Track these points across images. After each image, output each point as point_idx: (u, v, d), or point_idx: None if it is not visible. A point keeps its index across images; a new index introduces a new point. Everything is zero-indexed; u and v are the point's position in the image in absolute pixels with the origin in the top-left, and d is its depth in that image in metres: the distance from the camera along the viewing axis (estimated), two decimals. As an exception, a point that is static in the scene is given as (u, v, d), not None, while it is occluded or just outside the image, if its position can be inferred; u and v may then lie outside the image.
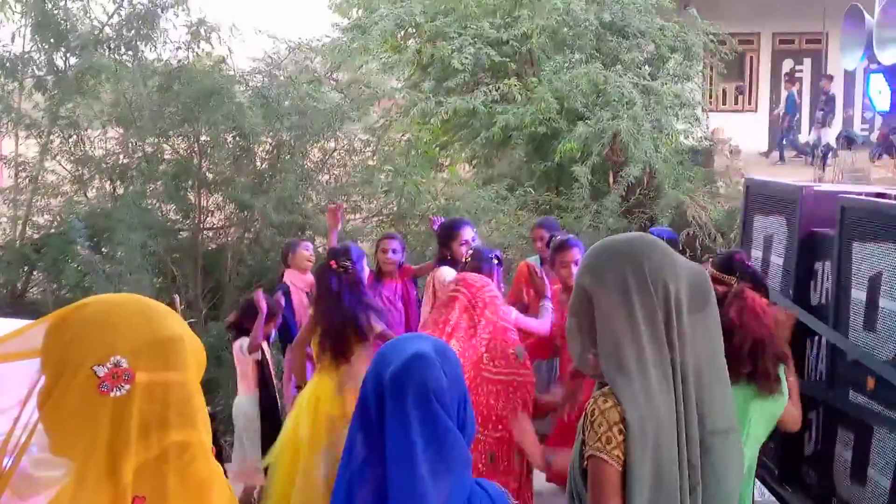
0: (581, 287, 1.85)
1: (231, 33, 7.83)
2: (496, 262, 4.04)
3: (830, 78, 14.35)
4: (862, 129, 15.12)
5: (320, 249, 6.60)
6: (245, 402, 4.66)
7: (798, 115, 14.72)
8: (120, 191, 7.50)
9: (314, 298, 4.23)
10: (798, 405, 3.03)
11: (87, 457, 1.25)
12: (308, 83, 8.12)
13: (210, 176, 7.74)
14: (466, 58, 9.37)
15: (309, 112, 7.72)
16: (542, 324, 4.06)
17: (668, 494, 1.73)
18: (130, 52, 7.75)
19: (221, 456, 4.51)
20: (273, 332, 4.79)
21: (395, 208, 8.37)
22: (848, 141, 14.01)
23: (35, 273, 7.60)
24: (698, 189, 9.61)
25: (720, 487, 1.80)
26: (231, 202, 7.68)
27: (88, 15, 7.72)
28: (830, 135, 13.94)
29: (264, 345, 4.61)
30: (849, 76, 14.98)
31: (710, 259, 8.40)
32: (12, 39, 7.66)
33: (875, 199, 3.50)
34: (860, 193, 3.75)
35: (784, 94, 15.13)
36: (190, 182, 7.70)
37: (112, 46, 7.72)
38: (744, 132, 13.84)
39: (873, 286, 3.17)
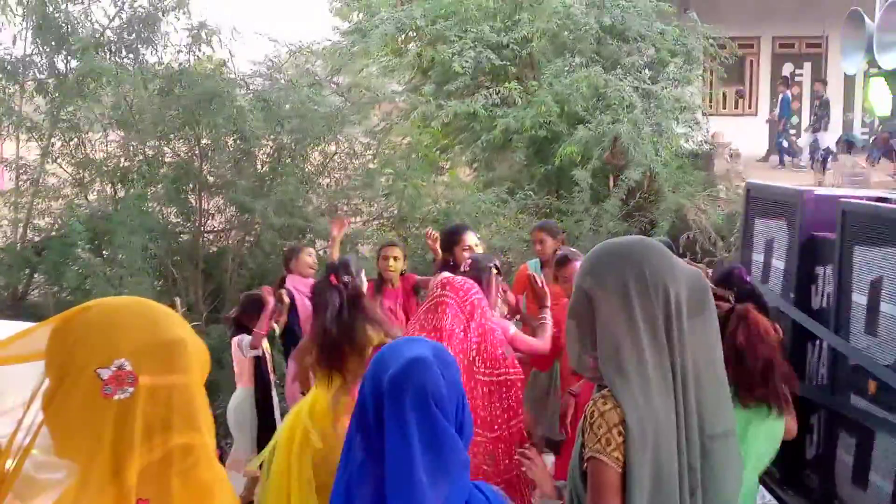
0: (581, 289, 1.85)
1: (232, 36, 7.85)
2: (495, 271, 4.03)
3: (824, 82, 14.37)
4: (862, 133, 15.13)
5: (321, 253, 6.60)
6: (240, 395, 4.70)
7: (791, 119, 14.72)
8: (121, 194, 7.51)
9: (312, 312, 4.23)
10: (794, 416, 3.09)
11: (91, 459, 1.25)
12: (309, 86, 8.13)
13: (211, 179, 7.75)
14: (467, 61, 9.38)
15: (309, 115, 7.72)
16: (542, 341, 4.03)
17: (667, 497, 1.73)
18: (131, 56, 7.76)
19: (223, 458, 4.53)
20: (274, 328, 4.78)
21: (395, 211, 8.37)
22: (848, 145, 14.03)
23: (36, 276, 7.60)
24: (698, 193, 9.59)
25: (719, 491, 1.80)
26: (232, 205, 7.69)
27: (89, 18, 7.73)
28: (825, 139, 13.95)
29: (264, 342, 4.62)
30: (849, 80, 14.99)
31: (710, 262, 8.44)
32: (13, 42, 7.67)
33: (876, 203, 3.50)
34: (861, 198, 3.75)
35: (789, 97, 15.11)
36: (191, 185, 7.71)
37: (113, 49, 7.73)
38: (744, 136, 13.84)
39: (874, 290, 3.17)
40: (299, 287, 5.09)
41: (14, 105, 7.59)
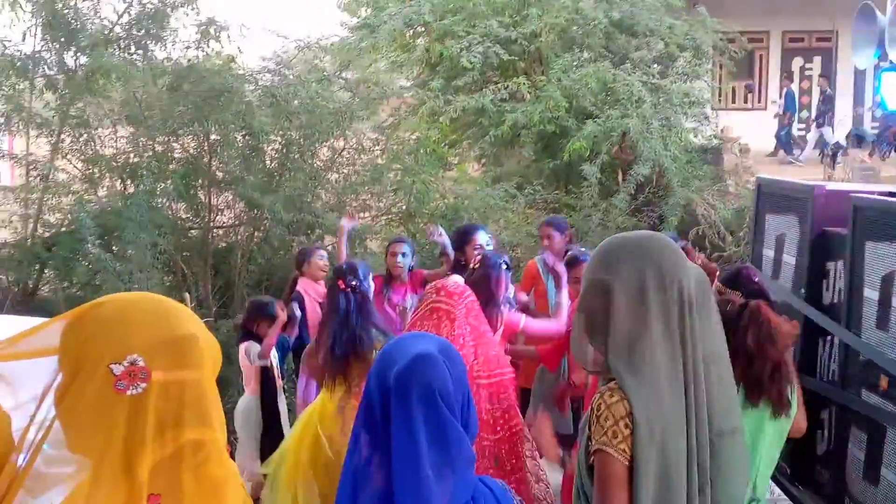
0: (594, 282, 1.84)
1: (240, 32, 7.83)
2: (504, 267, 4.02)
3: (827, 77, 14.32)
4: (872, 128, 15.06)
5: (329, 248, 6.61)
6: (245, 402, 4.71)
7: (801, 113, 14.68)
8: (130, 189, 7.52)
9: (322, 316, 4.26)
10: (804, 414, 3.08)
11: (104, 454, 1.26)
12: (317, 82, 8.12)
13: (220, 174, 7.76)
14: (475, 56, 9.36)
15: (318, 111, 7.72)
16: (557, 323, 4.03)
17: (675, 493, 1.72)
18: (140, 52, 7.77)
19: (233, 455, 4.54)
20: (286, 338, 4.80)
21: (403, 207, 8.37)
22: (858, 139, 13.96)
23: (46, 271, 7.63)
24: (707, 188, 9.57)
25: (727, 489, 1.79)
26: (241, 201, 7.69)
27: (98, 14, 7.73)
28: (828, 133, 13.89)
29: (273, 350, 4.63)
30: (859, 74, 14.92)
31: (719, 257, 8.41)
32: (23, 39, 7.68)
33: (888, 198, 3.48)
34: (873, 192, 3.73)
35: (793, 91, 15.05)
36: (200, 181, 7.71)
37: (122, 46, 7.73)
38: (753, 130, 13.79)
39: (886, 285, 3.14)
40: (310, 291, 5.09)
41: (24, 101, 7.61)
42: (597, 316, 1.81)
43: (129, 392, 1.26)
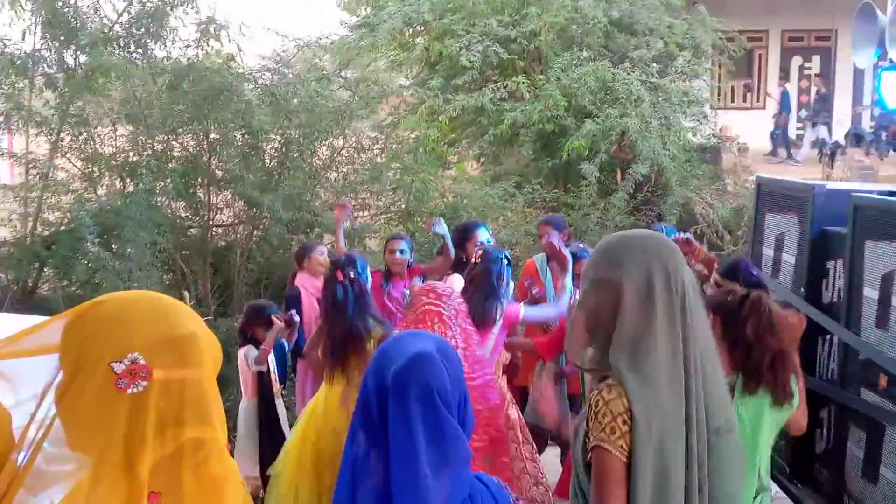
0: (601, 280, 1.83)
1: (240, 31, 7.83)
2: (506, 262, 4.03)
3: (825, 76, 14.33)
4: (871, 127, 15.08)
5: (328, 246, 6.61)
6: (244, 408, 4.72)
7: (799, 112, 14.69)
8: (129, 188, 7.51)
9: (321, 309, 4.26)
10: (805, 411, 3.04)
11: (104, 452, 1.25)
12: (316, 81, 8.11)
13: (219, 173, 7.75)
14: (474, 55, 9.36)
15: (317, 110, 7.71)
16: (557, 309, 4.03)
17: (673, 491, 1.72)
18: (140, 50, 7.76)
19: (232, 452, 4.54)
20: (284, 344, 4.79)
21: (403, 206, 8.37)
22: (857, 138, 13.97)
23: (45, 270, 7.62)
24: (706, 187, 9.59)
25: (725, 487, 1.80)
26: (240, 199, 7.69)
27: (98, 13, 7.72)
28: (823, 133, 13.91)
29: (270, 355, 4.62)
30: (858, 73, 14.93)
31: (718, 256, 8.41)
32: (23, 37, 7.68)
33: (888, 197, 3.48)
34: (872, 192, 3.73)
35: (794, 91, 15.05)
36: (199, 179, 7.71)
37: (122, 44, 7.72)
38: (752, 130, 13.80)
39: (886, 284, 3.15)
40: (308, 286, 5.09)
41: (23, 100, 7.60)
42: (601, 314, 1.81)
43: (129, 390, 1.26)
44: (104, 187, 7.83)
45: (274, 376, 4.65)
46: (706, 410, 1.78)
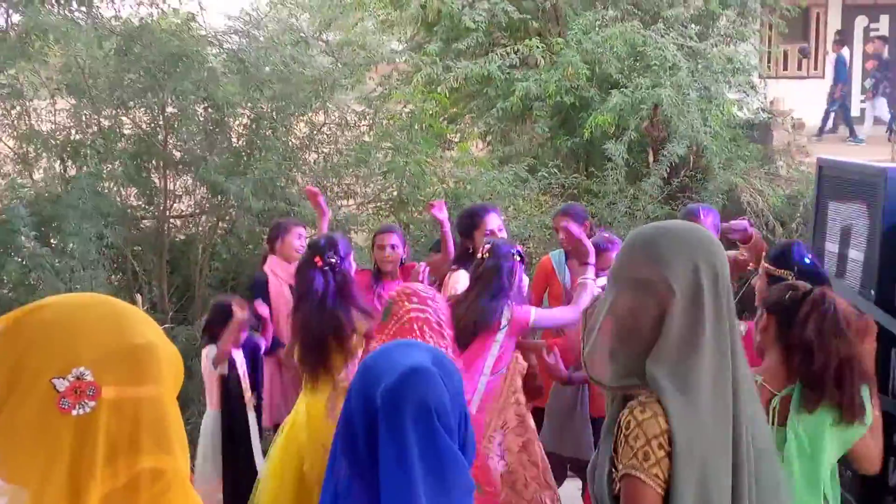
0: (637, 279, 1.82)
1: (202, -14, 7.84)
2: (518, 258, 4.03)
3: (884, 40, 14.25)
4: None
5: (311, 232, 6.61)
6: (207, 419, 4.73)
7: (851, 83, 14.62)
8: (72, 172, 7.52)
9: (294, 302, 4.24)
10: (879, 440, 2.93)
11: (44, 485, 1.26)
12: (293, 45, 8.11)
13: (177, 154, 7.76)
14: (480, 14, 9.35)
15: (294, 79, 7.72)
16: (574, 310, 4.02)
17: None
18: (83, 9, 7.75)
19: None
20: (242, 338, 4.77)
21: (394, 193, 8.38)
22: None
23: (-30, 269, 7.62)
24: (754, 170, 9.58)
25: None
26: (202, 185, 7.70)
27: (34, -37, 7.73)
28: (881, 106, 13.86)
29: (238, 355, 4.63)
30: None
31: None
32: (-57, -7, 7.68)
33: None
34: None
35: (844, 57, 14.95)
36: (154, 162, 7.72)
37: (62, 2, 7.72)
38: (808, 103, 13.78)
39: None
40: (278, 271, 5.10)
41: (-57, 67, 7.61)
42: (639, 320, 1.80)
43: (74, 412, 1.26)
44: (41, 171, 7.83)
45: (245, 383, 4.65)
46: (750, 429, 1.79)
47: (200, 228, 8.01)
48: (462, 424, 1.66)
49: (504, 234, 4.80)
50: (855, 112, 15.05)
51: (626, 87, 8.97)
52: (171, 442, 1.32)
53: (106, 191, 7.38)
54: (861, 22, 16.07)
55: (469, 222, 4.86)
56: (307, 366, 3.90)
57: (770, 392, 2.74)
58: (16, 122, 7.62)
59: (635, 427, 1.75)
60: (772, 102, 12.18)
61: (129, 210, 7.76)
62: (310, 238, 5.02)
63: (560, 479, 4.44)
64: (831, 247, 4.20)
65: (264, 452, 4.38)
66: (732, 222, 4.40)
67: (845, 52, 14.59)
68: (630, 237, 1.93)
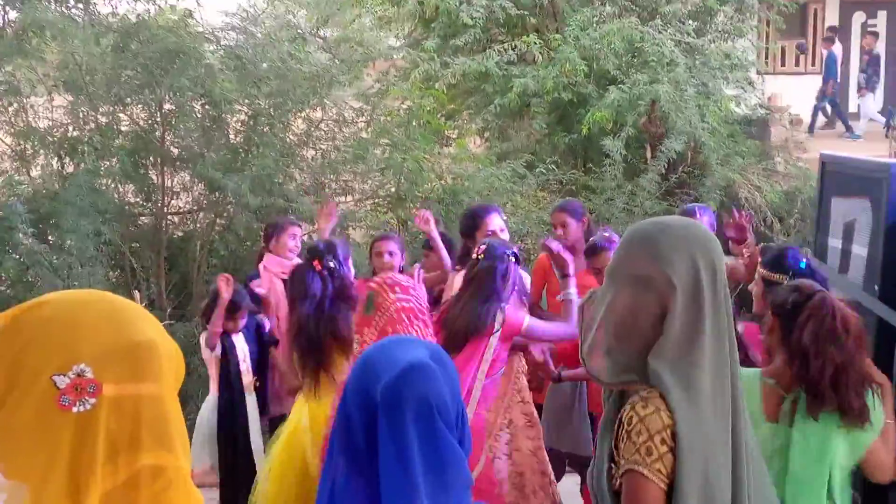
0: (637, 276, 1.82)
1: (199, -18, 7.83)
2: (513, 259, 4.00)
3: (875, 35, 14.25)
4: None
5: (305, 238, 6.61)
6: (206, 402, 4.75)
7: (862, 79, 14.62)
8: (69, 168, 7.51)
9: (289, 302, 4.23)
10: (892, 450, 2.88)
11: (44, 482, 1.25)
12: (290, 41, 8.11)
13: (175, 151, 7.75)
14: (477, 11, 9.35)
15: (291, 76, 7.71)
16: (567, 326, 4.00)
17: None
18: (80, 6, 7.73)
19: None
20: (242, 324, 4.76)
21: (392, 189, 8.37)
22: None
23: (-31, 266, 7.62)
24: (751, 166, 9.59)
25: None
26: (200, 182, 7.69)
27: (31, -40, 7.71)
28: (870, 102, 13.87)
29: (239, 340, 4.62)
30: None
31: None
32: (-59, -10, 7.66)
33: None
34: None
35: (835, 54, 14.93)
36: (151, 158, 7.71)
37: (59, -2, 7.71)
38: (806, 99, 13.78)
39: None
40: (272, 267, 5.09)
41: (-60, 64, 7.60)
42: (639, 317, 1.80)
43: (74, 409, 1.26)
44: (39, 168, 7.82)
45: (245, 365, 4.63)
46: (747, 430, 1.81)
47: (198, 225, 8.00)
48: (459, 419, 1.66)
49: (506, 235, 4.78)
50: (853, 108, 15.05)
51: (623, 84, 8.97)
52: (171, 439, 1.32)
53: (103, 187, 7.37)
54: (858, 18, 16.05)
55: (470, 223, 4.84)
56: (307, 370, 3.89)
57: (780, 394, 2.76)
58: (13, 118, 7.62)
59: (637, 422, 1.75)
60: (769, 98, 12.20)
61: (126, 207, 7.76)
62: (306, 236, 5.02)
63: (559, 475, 4.44)
64: (834, 242, 4.19)
65: (263, 443, 4.37)
66: (735, 214, 4.40)
67: (836, 48, 14.57)
68: (628, 234, 1.92)
